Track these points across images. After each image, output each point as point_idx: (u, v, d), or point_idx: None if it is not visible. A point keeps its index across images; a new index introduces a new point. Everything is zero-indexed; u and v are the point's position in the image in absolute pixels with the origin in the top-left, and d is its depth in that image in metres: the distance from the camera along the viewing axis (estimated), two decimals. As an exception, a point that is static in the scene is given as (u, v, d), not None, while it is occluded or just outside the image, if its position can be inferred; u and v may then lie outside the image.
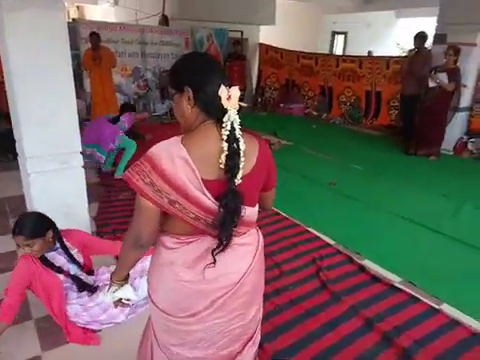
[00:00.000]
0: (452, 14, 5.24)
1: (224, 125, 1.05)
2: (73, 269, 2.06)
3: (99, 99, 6.14)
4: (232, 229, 1.10)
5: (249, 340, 1.29)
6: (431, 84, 4.98)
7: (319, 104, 7.98)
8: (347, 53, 11.64)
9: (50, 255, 2.01)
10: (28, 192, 2.69)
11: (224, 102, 1.05)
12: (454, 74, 4.85)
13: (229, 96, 1.05)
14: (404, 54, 11.16)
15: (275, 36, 9.52)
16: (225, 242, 1.10)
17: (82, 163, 2.71)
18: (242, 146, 1.06)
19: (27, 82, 2.36)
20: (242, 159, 1.06)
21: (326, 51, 11.16)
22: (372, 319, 2.12)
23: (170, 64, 7.42)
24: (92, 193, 3.34)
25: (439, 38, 5.43)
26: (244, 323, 1.23)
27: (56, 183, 2.61)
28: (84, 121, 6.64)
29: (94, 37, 5.92)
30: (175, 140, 1.06)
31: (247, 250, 1.20)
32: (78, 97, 6.83)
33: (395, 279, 2.51)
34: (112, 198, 3.73)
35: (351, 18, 10.92)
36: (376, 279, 2.49)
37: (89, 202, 2.92)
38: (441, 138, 5.22)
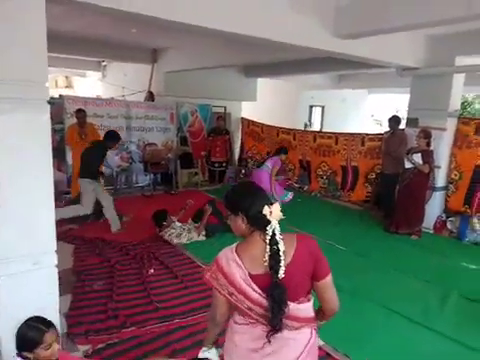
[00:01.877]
0: (421, 100, 5.62)
1: (267, 232, 1.39)
2: None
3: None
4: (281, 317, 1.36)
5: None
6: (407, 165, 5.18)
7: (300, 177, 8.14)
8: (325, 124, 12.23)
9: None
10: (-6, 295, 2.49)
11: (268, 217, 1.41)
12: (427, 156, 5.06)
13: (271, 212, 1.41)
14: (378, 126, 11.87)
15: (256, 109, 9.96)
16: (276, 327, 1.36)
17: (56, 262, 2.56)
18: (282, 247, 1.38)
19: (6, 182, 2.28)
20: (282, 257, 1.36)
21: (305, 122, 11.69)
22: None
23: (154, 137, 7.66)
24: (63, 282, 3.13)
25: (411, 121, 5.76)
26: None
27: (26, 285, 2.43)
28: (64, 194, 6.55)
29: (82, 114, 6.03)
30: (231, 248, 1.44)
31: (297, 345, 1.45)
32: (59, 170, 6.86)
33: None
34: (86, 288, 3.50)
35: (327, 93, 11.62)
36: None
37: (61, 294, 2.71)
38: (421, 217, 5.31)
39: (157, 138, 7.80)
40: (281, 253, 1.36)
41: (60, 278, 2.67)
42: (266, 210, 1.40)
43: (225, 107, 8.85)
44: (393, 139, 5.77)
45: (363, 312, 3.27)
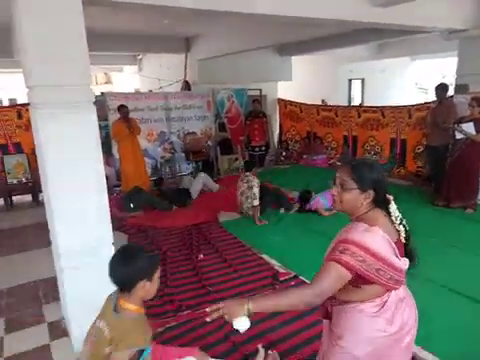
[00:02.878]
0: (471, 64, 5.23)
1: (392, 213, 1.52)
2: None
3: (131, 166, 6.36)
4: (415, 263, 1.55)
5: None
6: (458, 136, 4.88)
7: (342, 154, 7.95)
8: (366, 97, 11.75)
9: None
10: (61, 285, 2.71)
11: (389, 197, 1.54)
12: (481, 125, 4.73)
13: (390, 193, 1.54)
14: (423, 95, 11.20)
15: (293, 89, 9.77)
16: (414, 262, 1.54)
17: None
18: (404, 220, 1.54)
19: (62, 182, 2.45)
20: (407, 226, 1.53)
21: (345, 97, 11.31)
22: None
23: (193, 126, 7.78)
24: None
25: (460, 88, 5.39)
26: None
27: (88, 276, 2.61)
28: (114, 187, 6.87)
29: (126, 109, 6.25)
30: (367, 226, 1.44)
31: (410, 298, 1.62)
32: (107, 164, 7.20)
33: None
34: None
35: (367, 65, 11.10)
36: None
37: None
38: (476, 189, 5.02)
39: (196, 126, 7.91)
40: (405, 223, 1.54)
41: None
42: (389, 197, 1.54)
43: (260, 90, 8.76)
44: (440, 109, 5.42)
45: (421, 292, 3.16)
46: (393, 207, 1.53)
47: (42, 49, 2.26)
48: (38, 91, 2.32)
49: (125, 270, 1.57)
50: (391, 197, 1.54)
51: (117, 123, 6.31)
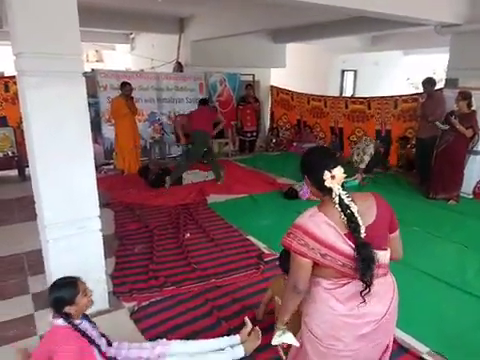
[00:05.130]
0: (462, 59, 5.30)
1: (334, 199, 1.43)
2: (102, 344, 2.00)
3: (129, 145, 6.40)
4: (372, 273, 1.39)
5: (386, 348, 1.61)
6: (443, 127, 5.00)
7: (331, 144, 8.02)
8: (357, 89, 11.80)
9: (82, 326, 1.92)
10: (47, 256, 2.71)
11: (327, 183, 1.43)
12: (470, 120, 4.83)
13: (332, 176, 1.43)
14: (414, 91, 11.30)
15: (286, 76, 9.75)
16: (368, 283, 1.40)
17: (100, 226, 2.73)
18: (354, 208, 1.41)
19: (48, 152, 2.43)
20: (359, 218, 1.40)
21: (337, 88, 11.34)
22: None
23: (184, 108, 7.73)
24: (107, 247, 3.33)
25: (450, 82, 5.47)
26: (382, 346, 1.58)
27: (74, 248, 2.63)
28: (101, 165, 6.83)
29: (129, 87, 6.20)
30: (314, 211, 1.46)
31: (386, 292, 1.52)
32: (96, 142, 7.13)
33: (423, 349, 2.39)
34: (128, 252, 3.72)
35: (360, 57, 11.14)
36: (404, 349, 2.37)
37: (105, 257, 2.91)
38: (460, 182, 5.14)
39: (187, 109, 7.81)
40: (356, 215, 1.41)
41: (104, 243, 2.86)
42: (326, 175, 1.43)
43: (254, 75, 8.72)
44: (429, 102, 5.51)
45: (403, 277, 3.26)
46: (335, 193, 1.44)
47: (31, 15, 2.21)
48: (25, 58, 2.27)
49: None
50: (330, 181, 1.43)
51: (118, 100, 6.25)
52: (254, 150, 8.19)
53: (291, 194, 5.31)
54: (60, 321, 1.82)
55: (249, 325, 2.35)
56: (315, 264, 1.45)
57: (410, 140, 6.60)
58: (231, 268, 3.37)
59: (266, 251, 3.71)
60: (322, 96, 8.27)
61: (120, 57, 11.65)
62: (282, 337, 1.61)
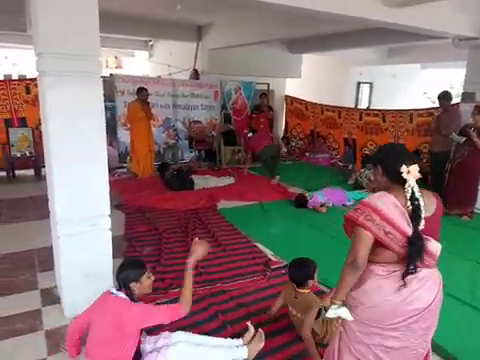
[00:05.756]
0: (479, 73, 5.24)
1: (406, 190, 1.58)
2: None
3: (144, 149, 6.52)
4: (419, 260, 1.54)
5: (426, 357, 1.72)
6: (454, 142, 4.95)
7: (345, 155, 7.97)
8: (373, 102, 11.74)
9: None
10: (57, 252, 2.76)
11: (404, 175, 1.59)
12: (485, 133, 4.76)
13: (408, 171, 1.59)
14: (431, 105, 11.19)
15: (301, 87, 9.79)
16: (413, 269, 1.54)
17: (110, 225, 2.77)
18: (422, 203, 1.56)
19: (63, 151, 2.49)
20: (423, 211, 1.56)
21: (352, 101, 11.31)
22: None
23: (199, 115, 7.83)
24: (116, 248, 3.37)
25: (467, 96, 5.41)
26: (425, 344, 1.67)
27: (84, 245, 2.67)
28: (115, 168, 6.93)
29: (145, 92, 6.34)
30: (384, 193, 1.61)
31: (433, 284, 1.63)
32: (111, 145, 7.25)
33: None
34: (136, 253, 3.75)
35: (376, 69, 11.10)
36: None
37: (113, 257, 2.94)
38: (474, 198, 5.05)
39: (202, 116, 7.96)
40: (422, 208, 1.56)
41: (113, 244, 2.89)
42: (404, 169, 1.59)
43: (268, 84, 8.78)
44: (445, 116, 5.44)
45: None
46: (409, 184, 1.59)
47: (53, 16, 2.29)
48: (46, 58, 2.35)
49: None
50: (406, 175, 1.59)
51: (134, 105, 6.38)
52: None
53: (300, 201, 5.28)
54: (122, 294, 2.00)
55: (252, 330, 2.34)
56: (375, 247, 1.58)
57: (422, 155, 6.53)
58: (238, 273, 3.36)
59: (273, 258, 3.69)
60: (336, 107, 8.26)
61: (138, 64, 11.89)
62: (337, 311, 1.68)
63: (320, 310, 2.36)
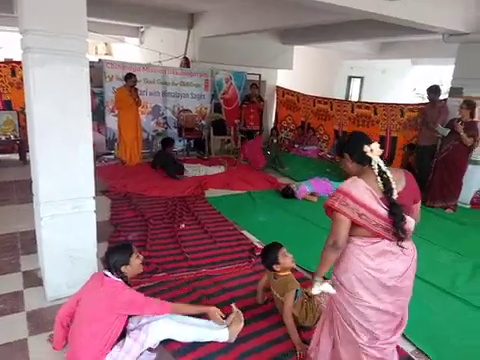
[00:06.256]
0: (468, 69, 5.30)
1: (373, 166, 1.74)
2: None
3: (131, 135, 6.43)
4: (403, 227, 1.68)
5: (400, 322, 1.85)
6: (439, 134, 5.00)
7: (334, 146, 8.01)
8: (363, 97, 11.80)
9: None
10: (39, 234, 2.72)
11: (368, 154, 1.75)
12: (471, 129, 4.82)
13: (371, 149, 1.74)
14: (420, 100, 11.31)
15: (292, 79, 9.77)
16: (402, 236, 1.68)
17: (94, 208, 2.74)
18: (390, 174, 1.72)
19: (48, 131, 2.45)
20: (393, 182, 1.70)
21: (342, 94, 11.34)
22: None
23: (189, 103, 7.76)
24: (101, 232, 3.35)
25: (455, 91, 5.47)
26: (400, 308, 1.82)
27: (67, 226, 2.64)
28: (103, 155, 6.85)
29: (134, 78, 6.26)
30: (355, 178, 1.74)
31: (408, 256, 1.77)
32: (99, 131, 7.14)
33: (408, 348, 2.38)
34: (122, 238, 3.73)
35: (367, 64, 11.14)
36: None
37: (98, 241, 2.92)
38: (458, 191, 5.13)
39: (191, 104, 7.88)
40: (391, 179, 1.70)
41: (98, 228, 2.87)
42: (366, 148, 1.75)
43: (260, 75, 8.74)
44: (432, 110, 5.52)
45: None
46: (374, 161, 1.74)
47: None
48: (31, 35, 2.30)
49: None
50: (370, 153, 1.74)
51: (122, 91, 6.29)
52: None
53: (287, 193, 5.32)
54: (115, 277, 2.06)
55: (235, 311, 2.36)
56: (352, 224, 1.70)
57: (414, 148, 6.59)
58: (223, 260, 3.37)
59: (259, 246, 3.71)
60: (328, 98, 8.28)
61: (129, 51, 11.70)
62: (321, 287, 1.82)
63: (297, 291, 2.40)
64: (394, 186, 1.70)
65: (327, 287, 1.80)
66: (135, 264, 2.14)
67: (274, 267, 2.47)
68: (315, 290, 1.82)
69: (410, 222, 1.74)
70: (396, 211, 1.67)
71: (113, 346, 2.01)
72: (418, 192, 1.85)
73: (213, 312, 2.26)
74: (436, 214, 5.01)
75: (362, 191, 1.70)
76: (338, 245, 1.72)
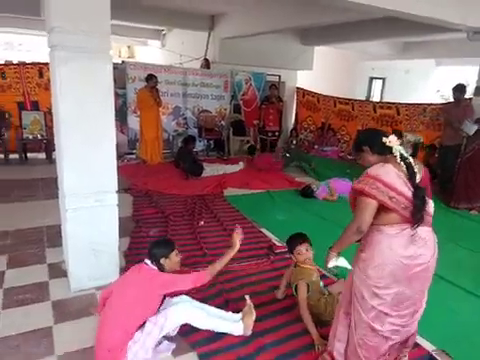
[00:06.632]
0: (494, 67, 5.16)
1: (395, 153, 1.82)
2: None
3: (151, 136, 6.55)
4: (423, 209, 1.76)
5: (419, 308, 1.91)
6: (465, 132, 4.88)
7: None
8: (385, 98, 11.61)
9: None
10: (64, 226, 2.82)
11: (389, 143, 1.83)
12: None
13: (389, 141, 1.83)
14: (444, 101, 11.06)
15: (312, 81, 9.73)
16: (419, 219, 1.75)
17: (117, 202, 2.81)
18: (411, 160, 1.81)
19: (73, 126, 2.54)
20: (416, 167, 1.80)
21: (363, 96, 11.20)
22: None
23: (209, 104, 7.84)
24: (123, 228, 3.43)
25: (480, 90, 5.34)
26: (422, 294, 1.89)
27: (91, 219, 2.72)
28: (125, 154, 7.00)
29: (155, 79, 6.38)
30: (383, 164, 1.81)
31: (431, 242, 1.85)
32: (121, 132, 7.30)
33: (429, 347, 2.34)
34: (143, 233, 3.81)
35: (389, 65, 10.97)
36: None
37: (120, 236, 2.98)
38: (483, 192, 4.99)
39: (211, 105, 7.97)
40: (413, 165, 1.80)
41: (120, 224, 2.94)
42: (385, 139, 1.84)
43: (280, 76, 8.75)
44: (456, 109, 5.39)
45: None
46: (395, 149, 1.82)
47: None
48: (57, 33, 2.39)
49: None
50: (388, 139, 1.82)
51: (144, 91, 6.43)
52: (275, 150, 8.17)
53: (307, 192, 5.30)
54: (153, 266, 2.20)
55: (248, 302, 2.39)
56: (380, 211, 1.76)
57: (436, 149, 6.46)
58: (242, 256, 3.37)
59: (277, 243, 3.71)
60: (349, 99, 8.22)
61: (151, 53, 11.92)
62: (337, 261, 1.89)
63: (308, 285, 2.43)
64: (416, 170, 1.79)
65: (343, 262, 1.87)
66: (174, 260, 2.27)
67: (290, 255, 2.59)
68: (331, 263, 1.89)
69: (431, 206, 1.83)
70: (420, 193, 1.75)
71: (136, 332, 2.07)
72: (429, 188, 1.91)
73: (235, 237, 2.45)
74: (460, 216, 4.89)
75: (391, 175, 1.76)
76: (362, 229, 1.77)
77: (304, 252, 2.52)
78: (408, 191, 1.76)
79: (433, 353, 2.29)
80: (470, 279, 3.27)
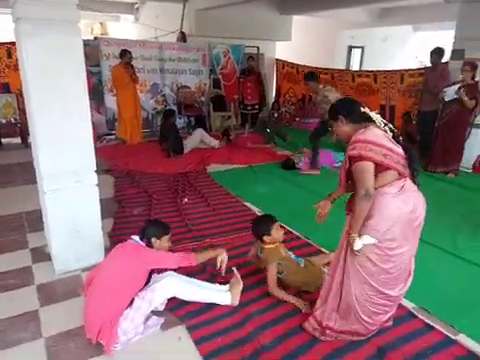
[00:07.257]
0: (470, 29, 5.17)
1: (376, 120, 1.92)
2: None
3: (130, 115, 6.39)
4: (417, 164, 1.95)
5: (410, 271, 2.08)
6: (447, 98, 4.91)
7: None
8: (364, 67, 11.57)
9: None
10: (44, 209, 2.77)
11: (367, 112, 1.93)
12: (473, 91, 4.75)
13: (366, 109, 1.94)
14: (421, 66, 11.10)
15: (292, 51, 9.59)
16: (417, 171, 1.93)
17: (96, 181, 2.77)
18: (391, 125, 1.93)
19: (44, 104, 2.44)
20: (395, 129, 1.93)
21: (343, 65, 11.13)
22: (384, 347, 2.07)
23: (187, 80, 7.66)
24: (106, 209, 3.41)
25: (456, 53, 5.36)
26: (412, 253, 2.02)
27: (71, 201, 2.67)
28: (103, 135, 6.85)
29: (129, 55, 6.15)
30: (367, 128, 1.88)
31: (419, 193, 1.95)
32: (98, 112, 7.11)
33: (408, 305, 2.44)
34: (126, 214, 3.78)
35: (368, 33, 10.87)
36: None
37: (103, 218, 2.95)
38: (460, 155, 5.10)
39: (190, 81, 7.80)
40: (392, 127, 1.92)
41: (103, 205, 2.90)
42: (362, 109, 1.93)
43: (258, 47, 8.59)
44: (433, 74, 5.39)
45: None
46: (374, 116, 1.92)
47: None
48: (22, 4, 2.26)
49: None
50: (365, 109, 1.92)
51: (118, 68, 6.21)
52: (256, 124, 8.12)
53: (288, 164, 5.33)
54: (142, 243, 2.23)
55: (236, 273, 2.43)
56: (376, 173, 1.83)
57: (412, 116, 6.52)
58: (226, 230, 3.42)
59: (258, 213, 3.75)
60: (328, 69, 8.16)
61: (124, 29, 11.51)
62: (362, 240, 1.89)
63: (279, 264, 2.45)
64: (396, 132, 1.92)
65: (367, 239, 1.87)
66: (164, 244, 2.29)
67: (264, 238, 2.50)
68: (358, 245, 1.88)
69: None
70: (410, 151, 1.90)
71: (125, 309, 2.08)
72: None
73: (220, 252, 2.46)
74: (437, 179, 5.02)
75: (379, 135, 1.86)
76: (370, 192, 1.80)
77: (280, 228, 2.55)
78: (397, 147, 1.86)
79: (412, 310, 2.38)
80: (448, 239, 3.39)
